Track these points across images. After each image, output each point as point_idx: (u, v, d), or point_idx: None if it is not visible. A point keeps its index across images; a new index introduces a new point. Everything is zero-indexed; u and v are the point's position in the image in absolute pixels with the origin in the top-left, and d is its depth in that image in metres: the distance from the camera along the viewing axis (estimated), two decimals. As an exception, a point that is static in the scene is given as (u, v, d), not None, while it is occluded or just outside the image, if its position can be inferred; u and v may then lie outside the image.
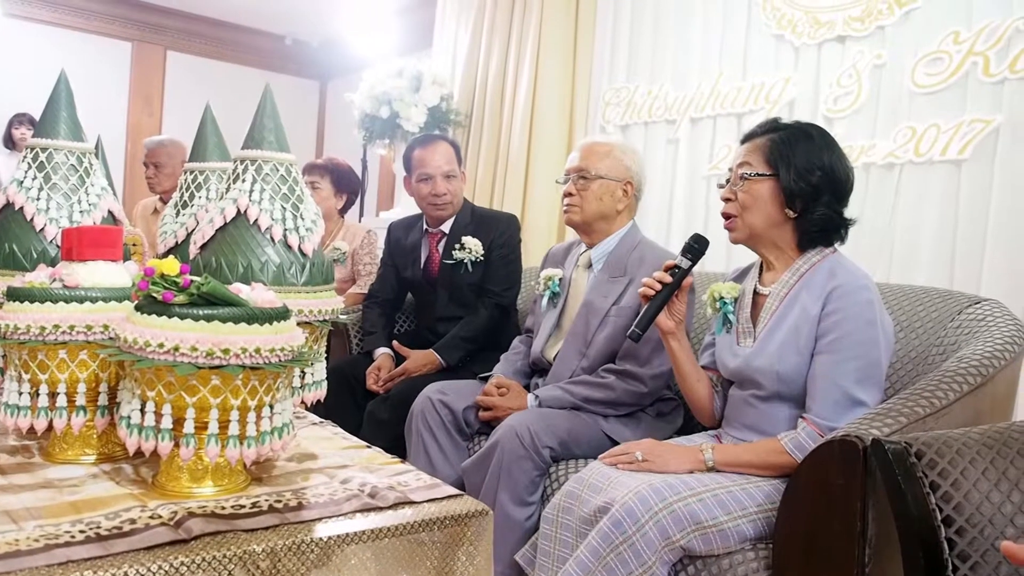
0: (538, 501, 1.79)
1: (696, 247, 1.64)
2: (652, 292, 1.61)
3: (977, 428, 1.26)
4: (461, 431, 2.05)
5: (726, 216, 1.62)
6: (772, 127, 1.60)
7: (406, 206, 3.94)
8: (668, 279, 1.61)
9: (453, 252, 2.54)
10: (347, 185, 3.22)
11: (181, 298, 0.94)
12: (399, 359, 2.51)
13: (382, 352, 2.52)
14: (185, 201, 1.44)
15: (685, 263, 1.63)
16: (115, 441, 1.14)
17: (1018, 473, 1.11)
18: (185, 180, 1.46)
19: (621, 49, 3.56)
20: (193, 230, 1.40)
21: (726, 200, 1.61)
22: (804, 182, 1.52)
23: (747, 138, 1.63)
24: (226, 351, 0.93)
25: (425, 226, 2.67)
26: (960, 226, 2.43)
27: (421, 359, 2.43)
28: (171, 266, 0.95)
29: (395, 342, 2.55)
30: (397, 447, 2.06)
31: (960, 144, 2.43)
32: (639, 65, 3.48)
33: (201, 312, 0.94)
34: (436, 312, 2.60)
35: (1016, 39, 2.31)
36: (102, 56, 5.74)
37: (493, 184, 3.98)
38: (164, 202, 3.50)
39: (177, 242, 1.41)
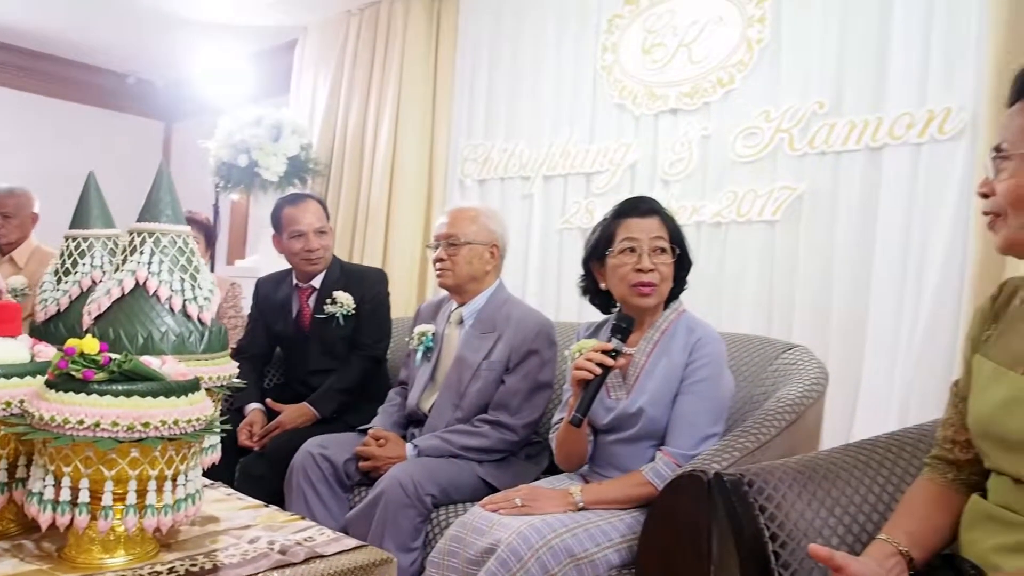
0: (420, 546, 1.89)
1: (625, 327, 1.69)
2: (590, 376, 1.60)
3: (793, 458, 1.50)
4: (342, 483, 2.13)
5: (648, 285, 1.73)
6: (652, 207, 1.81)
7: (264, 255, 3.92)
8: (610, 362, 1.61)
9: (324, 307, 2.61)
10: (213, 239, 3.20)
11: (101, 375, 0.99)
12: (269, 414, 2.53)
13: (253, 407, 2.53)
14: (68, 268, 1.43)
15: (621, 345, 1.65)
16: (8, 518, 1.14)
17: (823, 493, 1.35)
18: (67, 247, 1.45)
19: (478, 108, 3.76)
20: (76, 298, 1.41)
21: (650, 270, 1.74)
22: (684, 251, 1.81)
23: (642, 214, 1.79)
24: (146, 424, 0.98)
25: (295, 281, 2.72)
26: (775, 279, 2.77)
27: (295, 412, 2.47)
28: (91, 345, 0.99)
29: (268, 399, 2.57)
30: (275, 503, 2.08)
31: (773, 207, 2.78)
32: (496, 124, 3.69)
33: (121, 388, 0.99)
34: (309, 365, 2.64)
35: (813, 120, 2.69)
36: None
37: (353, 233, 4.05)
38: (3, 254, 3.29)
39: (59, 310, 1.40)
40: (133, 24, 4.63)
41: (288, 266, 2.75)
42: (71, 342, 0.99)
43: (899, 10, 2.55)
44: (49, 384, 1.00)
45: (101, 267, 1.42)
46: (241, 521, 1.24)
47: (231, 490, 1.42)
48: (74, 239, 1.46)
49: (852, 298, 2.59)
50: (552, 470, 2.04)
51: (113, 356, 1.00)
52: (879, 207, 2.56)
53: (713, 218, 2.93)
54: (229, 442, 2.45)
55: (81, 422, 0.96)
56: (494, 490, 1.86)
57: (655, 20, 3.17)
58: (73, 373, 0.98)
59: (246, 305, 3.04)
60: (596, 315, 1.98)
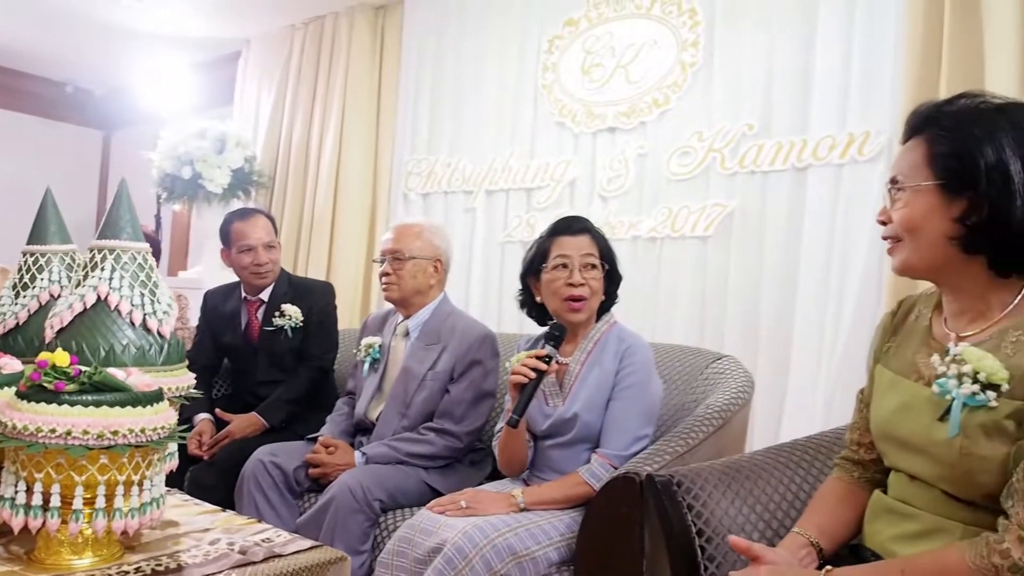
0: (369, 549, 1.97)
1: (558, 335, 1.83)
2: (526, 380, 1.73)
3: (719, 460, 1.62)
4: (292, 490, 2.19)
5: (578, 299, 1.85)
6: (584, 226, 1.94)
7: (208, 266, 3.93)
8: (543, 366, 1.74)
9: (273, 319, 2.67)
10: (158, 252, 3.21)
11: (71, 386, 1.04)
12: (218, 424, 2.56)
13: (202, 418, 2.56)
14: (26, 283, 1.47)
15: (554, 351, 1.78)
16: (-27, 525, 1.18)
17: (745, 492, 1.47)
18: (25, 262, 1.48)
19: (422, 123, 3.84)
20: (35, 312, 1.44)
21: (580, 285, 1.86)
22: (613, 267, 1.93)
23: (574, 232, 1.92)
24: (115, 432, 1.04)
25: (243, 294, 2.76)
26: (707, 291, 2.92)
27: (244, 422, 2.52)
28: (62, 358, 1.05)
29: (218, 409, 2.60)
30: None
31: (705, 224, 2.93)
32: (439, 139, 3.78)
33: (90, 398, 1.05)
34: (257, 376, 2.69)
35: (743, 141, 2.86)
36: None
37: (298, 245, 4.09)
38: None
39: (18, 323, 1.44)
40: (72, 33, 4.58)
41: (236, 279, 2.79)
42: (43, 355, 1.05)
43: (821, 40, 2.73)
44: (21, 395, 1.05)
45: (59, 282, 1.47)
46: (200, 525, 1.30)
47: (187, 496, 1.48)
48: (32, 254, 1.50)
49: (779, 311, 2.75)
50: (495, 476, 2.14)
51: (83, 368, 1.06)
52: (804, 224, 2.72)
53: (649, 233, 3.07)
54: (178, 452, 2.47)
55: (53, 431, 1.01)
56: (440, 495, 1.95)
57: (594, 41, 3.31)
58: (45, 384, 1.04)
59: (192, 317, 3.05)
60: (537, 325, 2.09)
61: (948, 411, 1.12)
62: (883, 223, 1.25)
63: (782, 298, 2.75)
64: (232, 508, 2.17)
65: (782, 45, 2.82)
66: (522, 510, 1.75)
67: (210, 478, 2.30)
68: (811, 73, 2.75)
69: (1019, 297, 1.15)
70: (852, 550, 1.33)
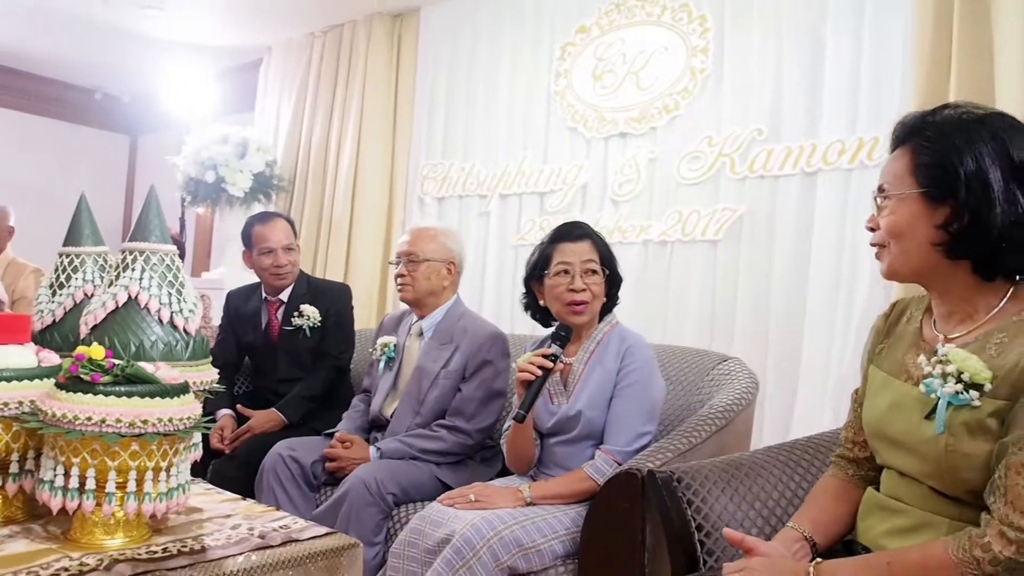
0: (382, 541, 2.05)
1: (564, 335, 1.89)
2: (532, 377, 1.80)
3: (720, 458, 1.68)
4: (309, 483, 2.27)
5: (580, 303, 1.91)
6: (585, 232, 2.00)
7: (230, 267, 4.03)
8: (549, 364, 1.81)
9: (292, 319, 2.76)
10: (182, 254, 3.31)
11: (106, 378, 1.13)
12: (239, 419, 2.66)
13: (224, 413, 2.66)
14: (62, 282, 1.55)
15: (559, 351, 1.85)
16: (16, 505, 1.26)
17: (744, 488, 1.53)
18: (61, 263, 1.57)
19: (437, 129, 3.93)
20: (70, 310, 1.53)
21: (582, 290, 1.92)
22: (613, 271, 1.99)
23: (575, 239, 1.97)
24: (145, 422, 1.12)
25: (264, 294, 2.86)
26: (717, 294, 2.97)
27: (264, 418, 2.61)
28: (98, 352, 1.13)
29: (239, 405, 2.70)
30: (244, 502, 2.21)
31: (715, 227, 2.98)
32: (454, 144, 3.86)
33: (123, 389, 1.12)
34: (277, 374, 2.78)
35: (753, 146, 2.90)
36: None
37: (316, 248, 4.18)
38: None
39: (54, 320, 1.52)
40: (101, 42, 4.73)
41: (257, 280, 2.89)
42: (80, 349, 1.13)
43: (830, 45, 2.77)
44: (60, 385, 1.14)
45: (92, 281, 1.55)
46: (222, 511, 1.38)
47: (210, 485, 1.56)
48: (67, 255, 1.58)
49: (789, 314, 2.79)
50: (505, 473, 2.21)
51: (116, 361, 1.14)
52: (813, 229, 2.76)
53: (659, 237, 3.12)
54: (202, 445, 2.57)
55: (89, 419, 1.09)
56: (451, 490, 2.01)
57: (605, 48, 3.37)
58: (82, 376, 1.12)
59: (215, 316, 3.15)
60: (542, 327, 2.15)
61: (934, 410, 1.16)
62: (871, 230, 1.30)
63: (791, 302, 2.79)
64: (252, 499, 2.27)
65: (791, 50, 2.86)
66: (529, 504, 1.82)
67: (231, 471, 2.39)
68: (820, 78, 2.78)
69: (1004, 300, 1.19)
70: (846, 545, 1.36)
